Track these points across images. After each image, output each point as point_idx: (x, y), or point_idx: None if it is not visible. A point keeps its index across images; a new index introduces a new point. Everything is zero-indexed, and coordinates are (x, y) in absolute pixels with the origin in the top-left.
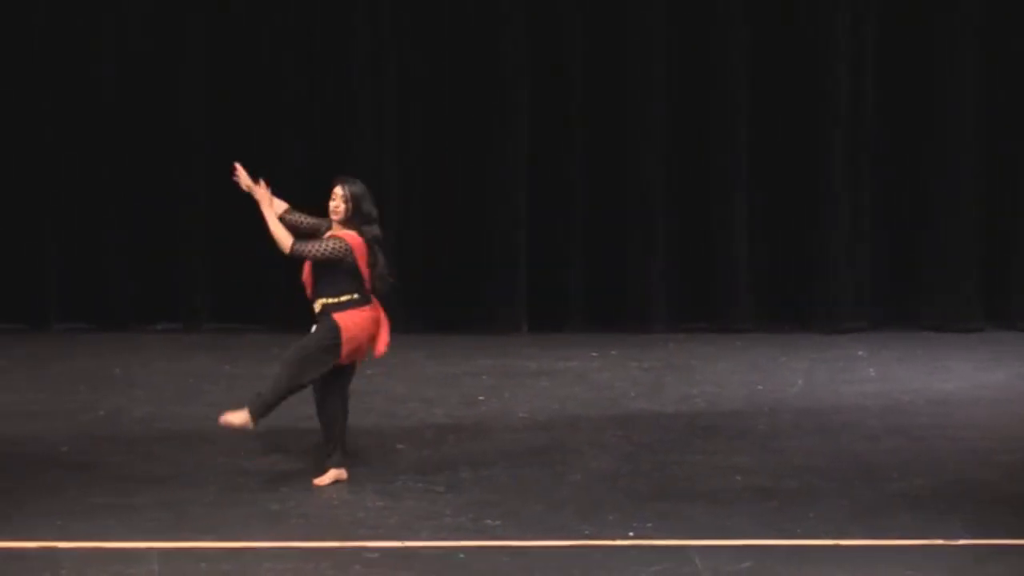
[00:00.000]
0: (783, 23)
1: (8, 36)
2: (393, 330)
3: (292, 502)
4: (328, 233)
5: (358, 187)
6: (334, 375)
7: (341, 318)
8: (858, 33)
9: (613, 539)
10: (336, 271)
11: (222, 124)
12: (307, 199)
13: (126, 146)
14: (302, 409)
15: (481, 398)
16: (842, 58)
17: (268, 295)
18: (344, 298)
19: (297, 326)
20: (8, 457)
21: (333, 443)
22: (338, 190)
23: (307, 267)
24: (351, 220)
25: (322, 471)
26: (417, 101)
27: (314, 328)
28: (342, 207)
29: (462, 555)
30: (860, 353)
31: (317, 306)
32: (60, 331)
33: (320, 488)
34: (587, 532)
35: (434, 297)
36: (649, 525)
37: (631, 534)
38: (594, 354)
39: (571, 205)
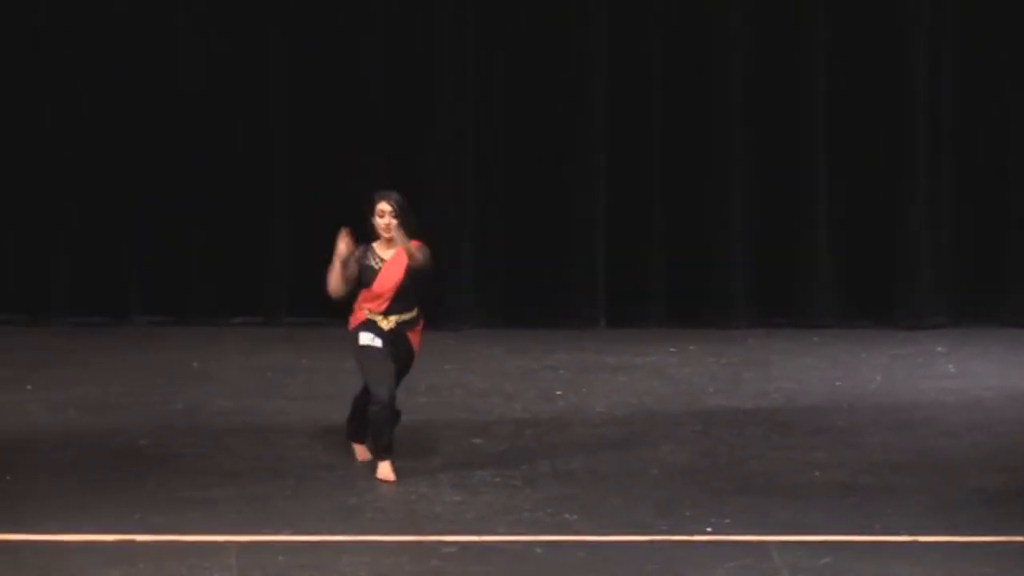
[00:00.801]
0: (861, 17)
1: (93, 33)
2: (472, 325)
3: (370, 496)
4: (405, 244)
5: (401, 197)
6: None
7: (415, 339)
8: (940, 19)
9: (691, 535)
10: (415, 284)
11: (304, 122)
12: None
13: (209, 143)
14: None
15: (559, 393)
16: (922, 48)
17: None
18: (415, 312)
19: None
20: (88, 450)
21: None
22: (385, 206)
23: (394, 281)
24: (402, 232)
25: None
26: (496, 99)
27: (376, 341)
28: (394, 221)
29: (539, 550)
30: (939, 349)
31: (389, 322)
32: (140, 325)
33: (398, 482)
34: (664, 527)
35: (513, 292)
36: (727, 521)
37: (709, 530)
38: (672, 349)
39: (650, 199)
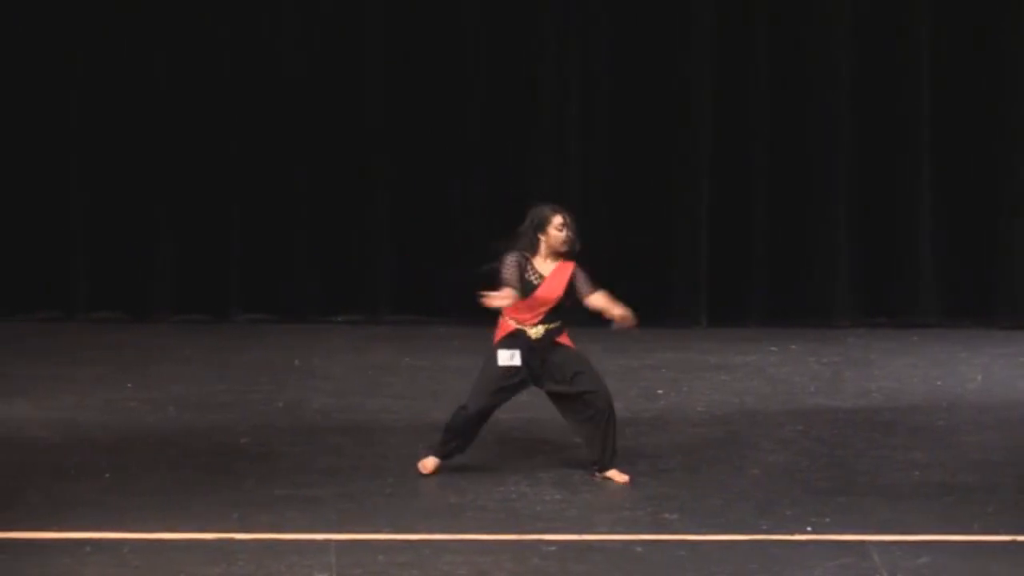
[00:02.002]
0: (962, 24)
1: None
2: (572, 323)
3: (471, 495)
4: (560, 262)
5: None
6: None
7: (566, 339)
8: None
9: (791, 534)
10: (569, 299)
11: (404, 121)
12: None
13: (310, 141)
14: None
15: (660, 392)
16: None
17: (449, 288)
18: (560, 322)
19: (477, 319)
20: (189, 447)
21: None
22: (565, 219)
23: (554, 296)
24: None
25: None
26: (600, 98)
27: (516, 360)
28: (571, 235)
29: (640, 549)
30: None
31: (538, 331)
32: (242, 323)
33: (498, 481)
34: (765, 527)
35: (614, 290)
36: (827, 520)
37: (809, 529)
38: (773, 348)
39: (752, 199)
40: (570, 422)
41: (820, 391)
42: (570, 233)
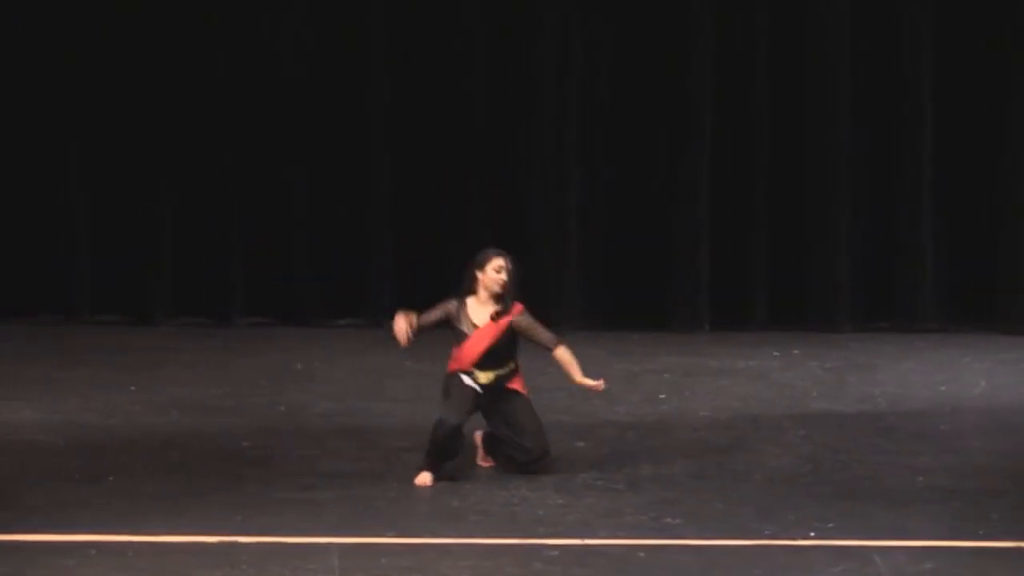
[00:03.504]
0: (965, 34)
1: (198, 40)
2: (575, 327)
3: (473, 499)
4: (492, 315)
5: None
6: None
7: (519, 385)
8: None
9: (794, 539)
10: (511, 343)
11: (405, 125)
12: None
13: (312, 147)
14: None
15: (662, 396)
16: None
17: (451, 291)
18: (512, 365)
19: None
20: (191, 451)
21: None
22: (504, 263)
23: (479, 349)
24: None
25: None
26: (602, 103)
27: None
28: (508, 281)
29: (642, 554)
30: None
31: (488, 376)
32: (243, 326)
33: (500, 485)
34: (768, 532)
35: (616, 294)
36: (830, 525)
37: (812, 534)
38: (776, 353)
39: (754, 203)
40: (501, 441)
41: (823, 396)
42: (507, 278)
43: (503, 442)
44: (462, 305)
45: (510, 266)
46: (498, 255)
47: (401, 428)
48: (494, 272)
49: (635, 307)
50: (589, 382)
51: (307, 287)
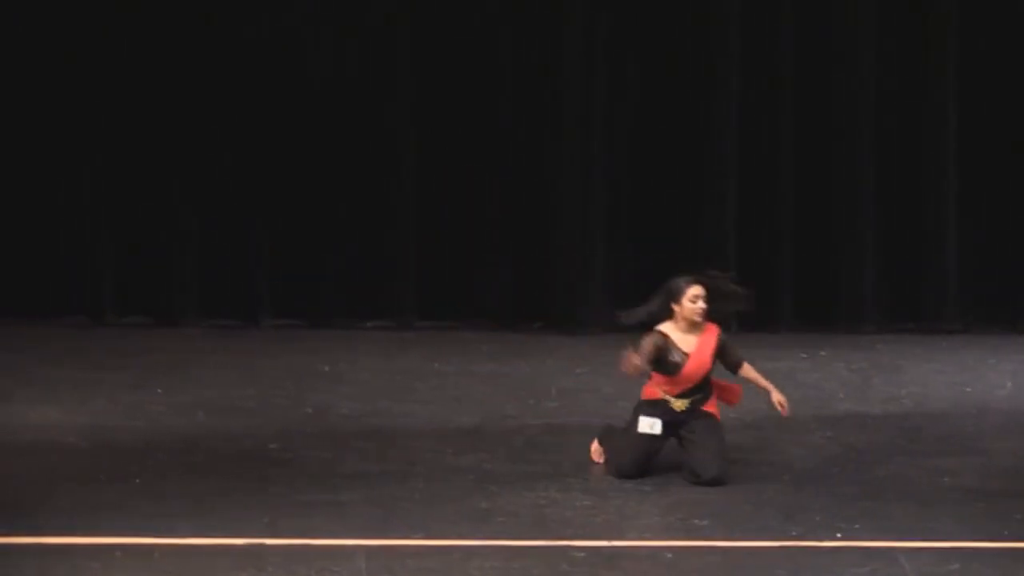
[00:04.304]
0: (990, 32)
1: (232, 52)
2: (602, 330)
3: (500, 500)
4: (702, 333)
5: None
6: None
7: (712, 408)
8: None
9: (820, 540)
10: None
11: (430, 127)
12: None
13: (338, 149)
14: (508, 408)
15: None
16: None
17: (478, 293)
18: (708, 388)
19: (509, 324)
20: (218, 453)
21: None
22: (700, 291)
23: (702, 373)
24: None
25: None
26: (625, 106)
27: (656, 428)
28: (706, 308)
29: (669, 555)
30: None
31: (683, 404)
32: (270, 328)
33: (527, 486)
34: (794, 533)
35: (641, 299)
36: (856, 526)
37: (838, 535)
38: (803, 355)
39: (781, 204)
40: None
41: (849, 397)
42: (704, 306)
43: (689, 450)
44: (667, 340)
45: (704, 291)
46: (690, 284)
47: (426, 429)
48: (691, 303)
49: None
50: (782, 398)
51: (334, 289)
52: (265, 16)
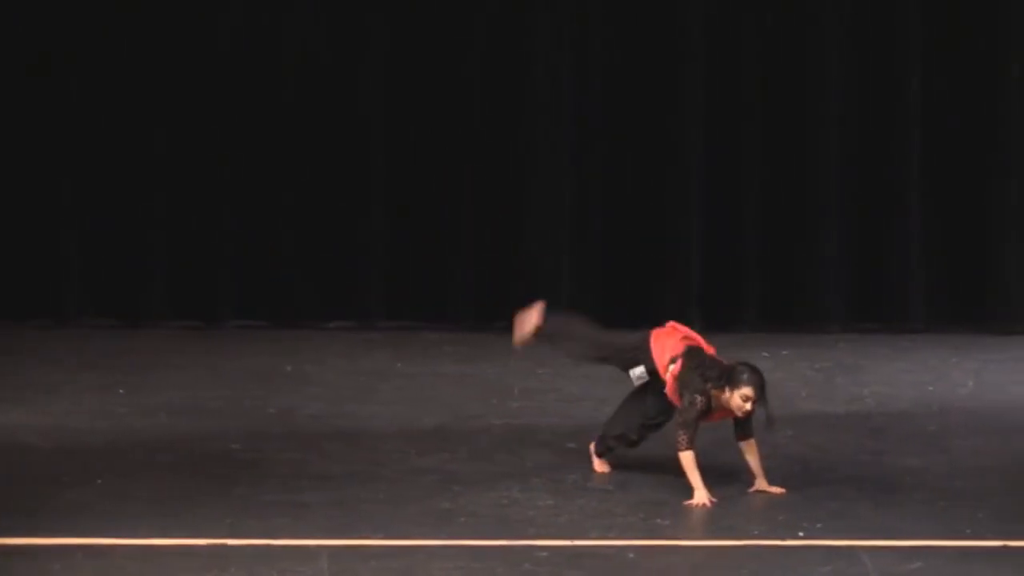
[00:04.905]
0: (953, 36)
1: (195, 45)
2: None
3: (462, 501)
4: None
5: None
6: None
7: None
8: None
9: (783, 539)
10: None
11: (399, 125)
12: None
13: (303, 146)
14: (472, 408)
15: None
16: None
17: (443, 294)
18: None
19: (473, 325)
20: (180, 454)
21: None
22: (755, 393)
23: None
24: None
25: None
26: (594, 104)
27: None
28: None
29: (632, 555)
30: None
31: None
32: (234, 328)
33: (489, 486)
34: (756, 532)
35: (607, 296)
36: (819, 526)
37: (801, 534)
38: (765, 354)
39: (744, 204)
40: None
41: (812, 396)
42: (751, 410)
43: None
44: (708, 398)
45: (758, 396)
46: (749, 384)
47: (390, 430)
48: (740, 400)
49: (625, 308)
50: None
51: (298, 289)
52: (231, 18)
